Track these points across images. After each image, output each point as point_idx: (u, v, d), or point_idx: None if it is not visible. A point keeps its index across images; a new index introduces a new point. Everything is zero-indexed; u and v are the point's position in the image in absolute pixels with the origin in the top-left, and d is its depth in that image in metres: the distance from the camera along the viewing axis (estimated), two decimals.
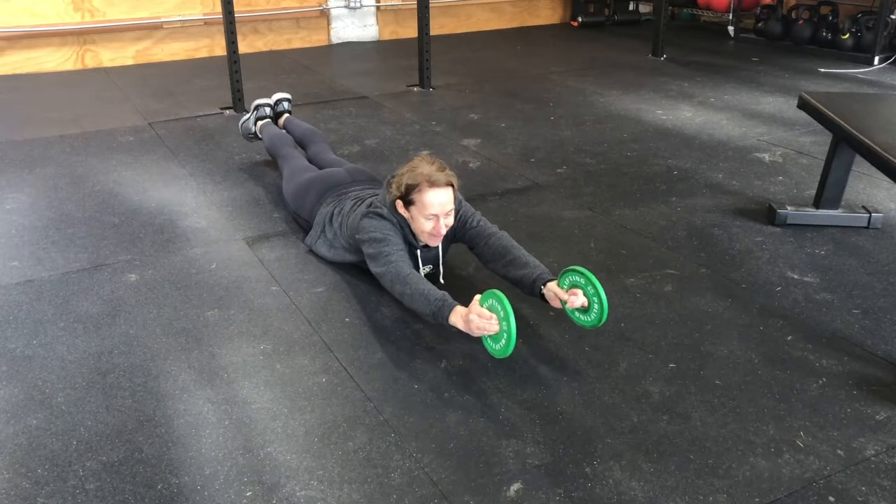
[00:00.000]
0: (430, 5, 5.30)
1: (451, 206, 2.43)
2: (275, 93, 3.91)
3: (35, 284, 2.73)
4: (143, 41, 6.23)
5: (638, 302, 2.60)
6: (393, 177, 2.50)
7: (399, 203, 2.45)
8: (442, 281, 2.66)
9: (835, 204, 3.15)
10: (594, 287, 2.21)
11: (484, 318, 2.08)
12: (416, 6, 5.27)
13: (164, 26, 6.26)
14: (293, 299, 2.61)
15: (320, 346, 2.36)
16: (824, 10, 6.34)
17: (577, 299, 2.22)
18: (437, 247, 2.58)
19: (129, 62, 6.21)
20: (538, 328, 2.44)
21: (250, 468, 1.86)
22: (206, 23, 6.36)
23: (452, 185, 2.42)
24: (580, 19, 7.77)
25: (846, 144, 2.94)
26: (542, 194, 3.53)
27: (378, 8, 7.11)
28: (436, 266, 2.66)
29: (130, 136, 4.35)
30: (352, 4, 6.90)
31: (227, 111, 4.82)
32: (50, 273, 2.81)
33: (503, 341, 2.07)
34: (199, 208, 3.38)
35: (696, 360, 2.28)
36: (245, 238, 3.09)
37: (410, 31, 6.46)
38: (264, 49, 6.68)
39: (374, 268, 2.44)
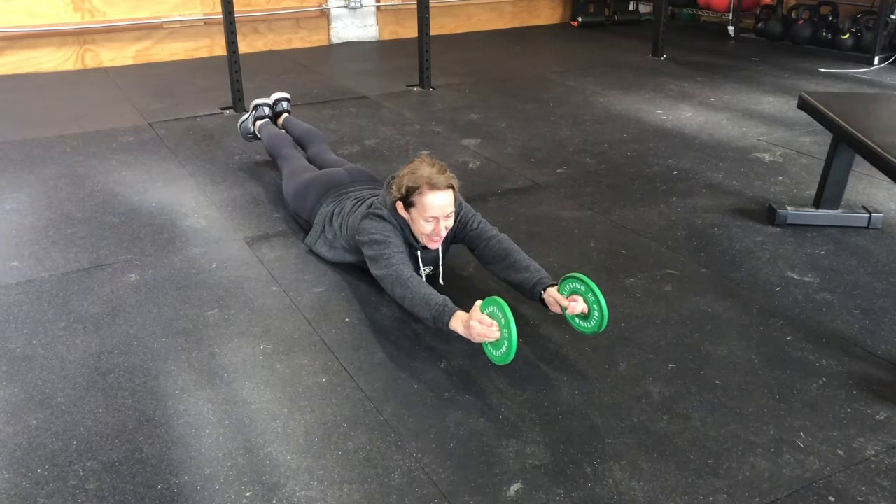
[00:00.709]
0: (430, 5, 5.30)
1: (451, 208, 2.43)
2: (274, 92, 3.91)
3: (35, 284, 2.73)
4: (143, 41, 6.24)
5: (638, 302, 2.60)
6: (393, 178, 2.49)
7: (399, 205, 2.45)
8: (442, 282, 2.66)
9: (835, 204, 3.15)
10: (594, 294, 2.20)
11: (485, 325, 2.07)
12: (416, 6, 5.27)
13: (164, 26, 6.26)
14: (293, 299, 2.61)
15: (320, 346, 2.36)
16: (824, 10, 6.34)
17: (577, 306, 2.22)
18: (438, 248, 2.58)
19: (129, 62, 6.21)
20: (538, 328, 2.44)
21: (250, 468, 1.86)
22: (206, 23, 6.36)
23: (453, 188, 2.42)
24: (580, 19, 7.77)
25: (846, 144, 2.94)
26: (542, 194, 3.53)
27: (378, 8, 7.11)
28: (436, 267, 2.66)
29: (130, 136, 4.35)
30: (352, 4, 6.90)
31: (227, 111, 4.82)
32: (50, 273, 2.81)
33: (504, 348, 2.06)
34: (199, 208, 3.38)
35: (696, 360, 2.28)
36: (245, 238, 3.09)
37: (410, 31, 6.46)
38: (264, 49, 6.68)
39: (375, 270, 2.44)
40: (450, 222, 2.47)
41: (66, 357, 2.30)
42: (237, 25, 4.78)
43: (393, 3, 7.13)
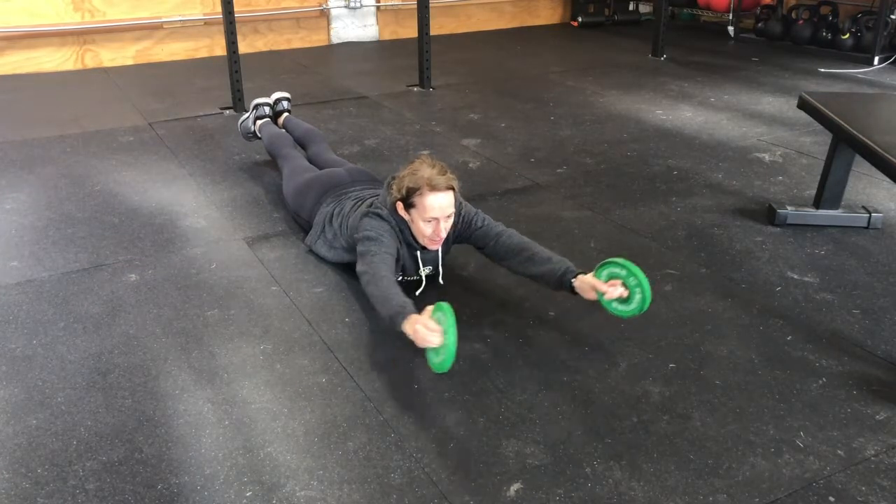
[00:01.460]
0: (430, 5, 5.30)
1: (451, 209, 2.43)
2: (274, 92, 3.91)
3: (35, 284, 2.73)
4: (143, 41, 6.24)
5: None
6: (394, 178, 2.49)
7: (399, 205, 2.45)
8: (442, 282, 2.67)
9: (835, 204, 3.15)
10: (636, 277, 2.25)
11: (429, 330, 2.02)
12: (416, 6, 5.27)
13: (164, 26, 6.26)
14: (293, 299, 2.61)
15: (320, 346, 2.36)
16: (824, 10, 6.34)
17: (616, 290, 2.26)
18: (438, 248, 2.58)
19: (129, 62, 6.21)
20: (538, 328, 2.44)
21: (250, 468, 1.86)
22: (206, 23, 6.36)
23: (453, 189, 2.42)
24: (580, 19, 7.77)
25: (846, 144, 2.94)
26: (542, 194, 3.53)
27: (378, 8, 7.11)
28: (436, 267, 2.65)
29: (130, 136, 4.35)
30: (352, 4, 6.90)
31: (227, 111, 4.82)
32: (50, 273, 2.81)
33: (442, 356, 2.01)
34: (199, 208, 3.38)
35: (696, 360, 2.28)
36: (245, 238, 3.09)
37: (410, 31, 6.46)
38: (264, 49, 6.68)
39: (358, 266, 2.44)
40: (449, 223, 2.47)
41: (66, 357, 2.30)
42: (237, 25, 4.78)
43: (393, 3, 7.13)
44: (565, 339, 2.38)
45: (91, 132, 4.42)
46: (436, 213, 2.39)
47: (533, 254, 2.47)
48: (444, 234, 2.47)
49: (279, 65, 6.18)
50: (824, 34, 6.24)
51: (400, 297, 2.22)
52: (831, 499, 1.77)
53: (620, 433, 1.98)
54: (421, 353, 2.31)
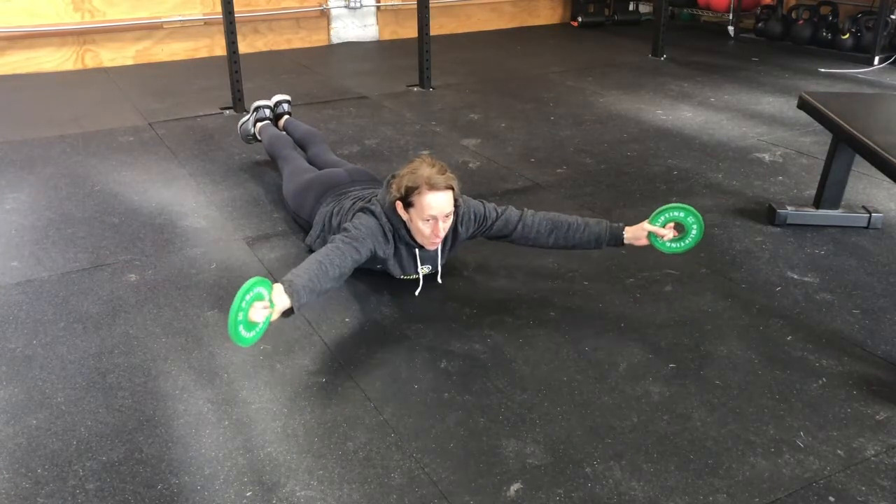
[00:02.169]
0: (430, 5, 5.30)
1: (450, 208, 2.43)
2: (275, 94, 3.91)
3: (35, 284, 2.73)
4: (143, 41, 6.24)
5: (638, 302, 2.60)
6: (393, 177, 2.49)
7: (399, 204, 2.45)
8: (440, 281, 2.67)
9: (835, 204, 3.15)
10: (693, 216, 2.48)
11: (262, 308, 2.02)
12: (416, 6, 5.27)
13: (164, 26, 6.26)
14: None
15: (320, 346, 2.36)
16: (824, 10, 6.34)
17: (671, 232, 2.50)
18: (436, 248, 2.58)
19: (129, 62, 6.21)
20: (538, 328, 2.44)
21: (250, 468, 1.86)
22: (206, 23, 6.36)
23: (452, 189, 2.42)
24: (580, 19, 7.76)
25: (846, 144, 2.94)
26: (542, 194, 3.53)
27: (378, 8, 7.11)
28: (434, 266, 2.66)
29: (130, 136, 4.35)
30: (352, 4, 6.90)
31: (227, 111, 4.82)
32: (50, 273, 2.81)
33: (253, 333, 2.03)
34: (199, 208, 3.38)
35: (696, 360, 2.28)
36: (245, 238, 3.09)
37: (410, 31, 6.46)
38: (264, 49, 6.68)
39: (329, 241, 2.43)
40: (448, 223, 2.47)
41: (66, 357, 2.30)
42: (237, 25, 4.78)
43: (393, 3, 7.13)
44: (565, 340, 2.38)
45: (91, 132, 4.42)
46: (434, 212, 2.39)
47: (568, 225, 2.57)
48: (442, 234, 2.47)
49: (279, 65, 6.18)
50: (824, 34, 6.24)
51: (300, 272, 2.20)
52: (831, 499, 1.77)
53: (620, 433, 1.98)
54: (421, 352, 2.31)
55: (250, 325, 2.00)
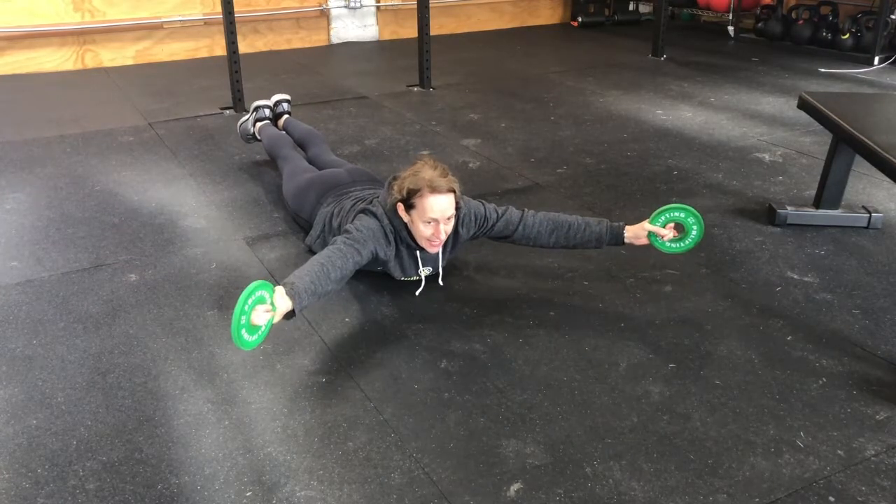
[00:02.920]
0: (430, 5, 5.30)
1: (451, 211, 2.43)
2: (274, 93, 3.91)
3: (35, 284, 2.73)
4: (143, 41, 6.24)
5: (638, 302, 2.60)
6: (395, 178, 2.49)
7: (400, 206, 2.45)
8: (441, 283, 2.67)
9: (835, 204, 3.15)
10: (693, 216, 2.50)
11: (264, 311, 2.04)
12: (416, 6, 5.27)
13: (164, 26, 6.26)
14: None
15: (320, 346, 2.36)
16: (824, 10, 6.34)
17: (671, 233, 2.52)
18: (437, 250, 2.58)
19: (129, 62, 6.21)
20: (538, 328, 2.44)
21: (250, 468, 1.86)
22: (206, 23, 6.36)
23: (454, 192, 2.42)
24: (580, 19, 7.77)
25: (846, 144, 2.94)
26: (542, 194, 3.53)
27: (378, 8, 7.11)
28: (435, 268, 2.66)
29: (130, 136, 4.35)
30: (352, 4, 6.90)
31: (227, 111, 4.82)
32: (50, 273, 2.81)
33: (255, 337, 2.03)
34: (199, 208, 3.38)
35: (696, 360, 2.28)
36: (245, 238, 3.09)
37: (410, 31, 6.46)
38: (264, 49, 6.68)
39: (329, 244, 2.44)
40: (450, 226, 2.47)
41: (66, 357, 2.30)
42: (237, 25, 4.78)
43: (393, 3, 7.13)
44: (565, 340, 2.38)
45: (91, 132, 4.42)
46: (435, 214, 2.39)
47: (569, 225, 2.58)
48: (443, 237, 2.47)
49: (279, 65, 6.18)
50: (824, 34, 6.24)
51: (302, 274, 2.21)
52: (831, 499, 1.77)
53: (620, 433, 1.98)
54: (421, 352, 2.31)
55: (253, 329, 2.01)
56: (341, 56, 6.66)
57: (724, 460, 1.88)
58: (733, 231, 3.13)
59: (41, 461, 1.89)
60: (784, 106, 4.86)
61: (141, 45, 6.23)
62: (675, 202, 2.58)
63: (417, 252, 2.58)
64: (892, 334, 2.40)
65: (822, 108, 3.04)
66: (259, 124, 3.75)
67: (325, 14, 6.91)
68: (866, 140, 2.68)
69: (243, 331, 1.97)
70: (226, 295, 2.64)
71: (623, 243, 2.57)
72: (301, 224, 3.07)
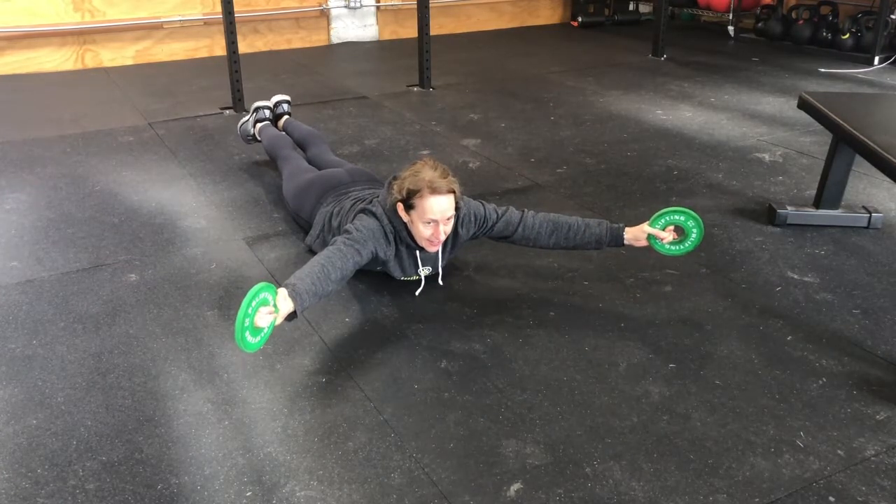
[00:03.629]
0: (430, 5, 5.30)
1: (451, 212, 2.44)
2: (274, 94, 3.91)
3: (35, 284, 2.73)
4: (143, 41, 6.24)
5: (638, 302, 2.60)
6: (395, 178, 2.49)
7: (400, 206, 2.45)
8: (441, 282, 2.67)
9: (835, 204, 3.15)
10: (693, 220, 2.51)
11: (268, 313, 2.03)
12: (416, 6, 5.27)
13: (164, 26, 6.26)
14: None
15: (320, 346, 2.36)
16: (824, 10, 6.34)
17: (670, 235, 2.53)
18: (436, 250, 2.58)
19: (129, 62, 6.21)
20: (538, 328, 2.44)
21: (250, 468, 1.86)
22: (206, 23, 6.36)
23: (454, 192, 2.42)
24: (580, 19, 7.76)
25: (846, 144, 2.94)
26: (542, 194, 3.53)
27: (378, 8, 7.11)
28: (435, 267, 2.66)
29: (130, 136, 4.35)
30: (352, 4, 6.90)
31: (227, 111, 4.82)
32: (50, 273, 2.81)
33: (258, 338, 2.03)
34: (199, 208, 3.38)
35: (696, 360, 2.28)
36: (245, 238, 3.09)
37: (410, 31, 6.46)
38: (264, 49, 6.68)
39: (329, 244, 2.44)
40: (449, 226, 2.47)
41: (66, 357, 2.30)
42: (237, 25, 4.78)
43: (393, 3, 7.13)
44: (565, 340, 2.38)
45: (91, 132, 4.42)
46: (435, 215, 2.39)
47: (569, 226, 2.59)
48: (442, 237, 2.47)
49: (279, 65, 6.18)
50: (824, 34, 6.24)
51: (301, 277, 2.20)
52: (831, 499, 1.77)
53: (620, 433, 1.98)
54: (421, 352, 2.31)
55: (255, 331, 2.01)
56: (341, 56, 6.66)
57: (724, 460, 1.88)
58: (733, 231, 3.13)
59: (41, 461, 1.89)
60: (784, 106, 4.86)
61: (141, 45, 6.23)
62: (676, 203, 2.58)
63: (417, 252, 2.58)
64: (892, 334, 2.40)
65: (822, 108, 3.04)
66: (259, 125, 3.75)
67: (325, 14, 6.91)
68: (866, 140, 2.68)
69: (247, 333, 1.97)
70: (226, 295, 2.64)
71: (622, 245, 2.58)
72: (301, 224, 3.07)
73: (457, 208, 2.48)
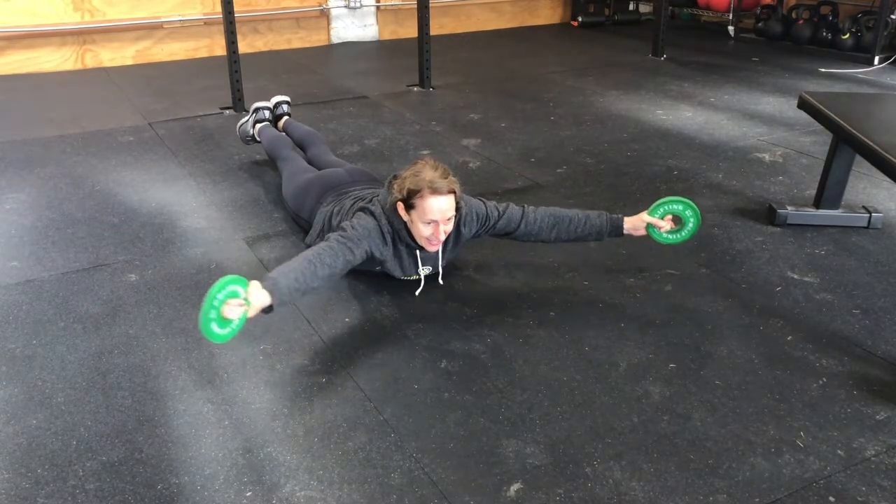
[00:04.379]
0: (430, 5, 5.30)
1: (451, 212, 2.44)
2: (274, 94, 3.91)
3: (35, 284, 2.73)
4: (143, 41, 6.23)
5: (638, 302, 2.60)
6: (395, 177, 2.49)
7: (400, 206, 2.45)
8: (441, 282, 2.67)
9: (835, 204, 3.15)
10: (691, 208, 2.59)
11: (237, 305, 2.03)
12: (416, 6, 5.27)
13: (164, 26, 6.26)
14: None
15: (320, 346, 2.36)
16: (824, 10, 6.34)
17: (668, 224, 2.61)
18: (437, 249, 2.58)
19: (129, 62, 6.21)
20: (538, 328, 2.44)
21: (250, 468, 1.86)
22: (206, 23, 6.36)
23: (454, 192, 2.42)
24: (580, 19, 7.76)
25: (846, 144, 2.94)
26: (542, 194, 3.53)
27: (378, 8, 7.11)
28: (435, 267, 2.66)
29: (130, 136, 4.35)
30: (352, 4, 6.90)
31: (227, 111, 4.82)
32: (50, 273, 2.81)
33: (227, 330, 2.02)
34: (199, 208, 3.38)
35: (696, 360, 2.28)
36: (245, 238, 3.09)
37: (410, 31, 6.46)
38: (264, 49, 6.68)
39: (320, 241, 2.43)
40: (449, 226, 2.47)
41: (66, 357, 2.30)
42: (237, 25, 4.78)
43: (393, 3, 7.13)
44: (565, 340, 2.38)
45: (91, 132, 4.42)
46: (436, 215, 2.39)
47: (569, 219, 2.63)
48: (442, 237, 2.47)
49: (279, 65, 6.18)
50: (824, 34, 6.24)
51: (288, 273, 2.20)
52: (831, 499, 1.77)
53: (620, 433, 1.98)
54: (421, 352, 2.31)
55: (224, 322, 2.00)
56: (341, 56, 6.66)
57: (724, 460, 1.88)
58: (733, 231, 3.13)
59: (41, 461, 1.89)
60: (784, 106, 4.86)
61: (141, 45, 6.23)
62: (672, 197, 2.59)
63: (417, 251, 2.58)
64: (892, 334, 2.40)
65: (822, 108, 3.04)
66: (258, 126, 3.75)
67: (325, 14, 6.91)
68: (866, 140, 2.68)
69: (213, 324, 1.97)
70: None
71: (622, 234, 2.65)
72: (301, 224, 3.07)
73: (457, 208, 2.48)
